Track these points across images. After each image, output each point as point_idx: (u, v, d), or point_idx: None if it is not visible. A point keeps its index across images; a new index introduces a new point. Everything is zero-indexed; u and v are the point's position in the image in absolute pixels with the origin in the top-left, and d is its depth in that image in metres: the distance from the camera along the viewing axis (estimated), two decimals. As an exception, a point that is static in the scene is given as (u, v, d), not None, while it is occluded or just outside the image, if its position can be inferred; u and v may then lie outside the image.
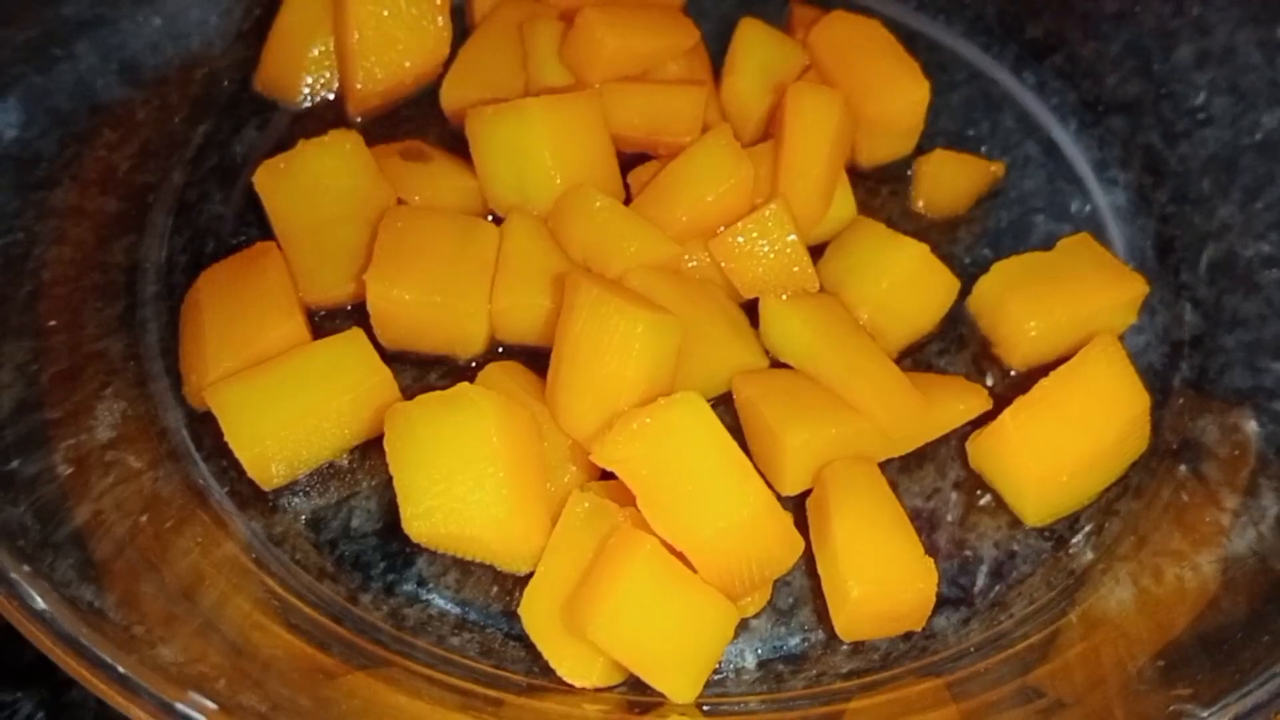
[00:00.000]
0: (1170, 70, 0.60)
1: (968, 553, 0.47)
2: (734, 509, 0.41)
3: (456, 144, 0.53)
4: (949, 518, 0.48)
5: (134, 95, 0.57)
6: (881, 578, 0.42)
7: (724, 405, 0.48)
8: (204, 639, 0.40)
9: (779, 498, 0.44)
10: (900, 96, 0.54)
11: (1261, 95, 0.57)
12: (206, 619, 0.42)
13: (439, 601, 0.45)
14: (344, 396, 0.46)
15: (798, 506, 0.46)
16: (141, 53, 0.58)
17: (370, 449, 0.48)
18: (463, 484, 0.42)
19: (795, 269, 0.49)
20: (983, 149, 0.58)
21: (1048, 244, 0.53)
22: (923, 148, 0.56)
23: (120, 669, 0.37)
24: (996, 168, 0.56)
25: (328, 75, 0.56)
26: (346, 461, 0.48)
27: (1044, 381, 0.46)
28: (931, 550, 0.46)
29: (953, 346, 0.52)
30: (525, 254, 0.49)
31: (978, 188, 0.56)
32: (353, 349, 0.46)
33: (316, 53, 0.56)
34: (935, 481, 0.48)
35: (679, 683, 0.41)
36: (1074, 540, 0.47)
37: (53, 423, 0.46)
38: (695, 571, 0.41)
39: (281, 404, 0.46)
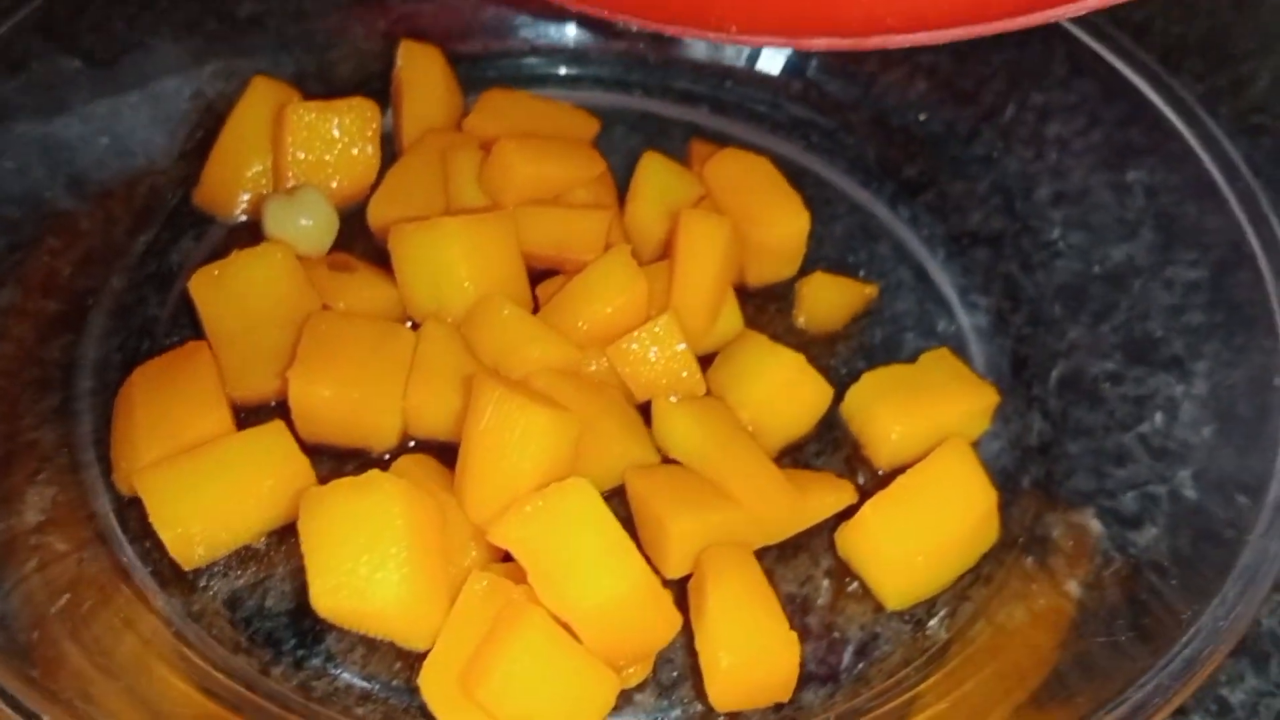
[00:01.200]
0: (1030, 208, 0.66)
1: (835, 634, 0.51)
2: (615, 583, 0.45)
3: (381, 258, 0.58)
4: (820, 602, 0.52)
5: (80, 206, 0.61)
6: (749, 649, 0.46)
7: (618, 498, 0.53)
8: (125, 702, 0.43)
9: (665, 581, 0.49)
10: (784, 225, 0.60)
11: (1111, 231, 0.64)
12: (128, 685, 0.45)
13: (346, 675, 0.49)
14: (264, 483, 0.50)
15: (682, 590, 0.50)
16: (89, 167, 0.62)
17: (287, 534, 0.51)
18: (368, 563, 0.46)
19: (684, 374, 0.54)
20: (860, 273, 0.64)
21: (916, 358, 0.58)
22: (806, 270, 0.62)
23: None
24: (870, 290, 0.62)
25: (264, 192, 0.61)
26: (264, 545, 0.52)
27: (901, 478, 0.52)
28: (803, 632, 0.50)
29: (828, 448, 0.57)
30: (438, 356, 0.53)
31: (854, 307, 0.62)
32: (274, 439, 0.50)
33: (254, 171, 0.61)
34: (809, 569, 0.53)
35: (565, 748, 0.44)
36: (930, 623, 0.52)
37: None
38: (581, 642, 0.45)
39: (205, 489, 0.49)
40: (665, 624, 0.47)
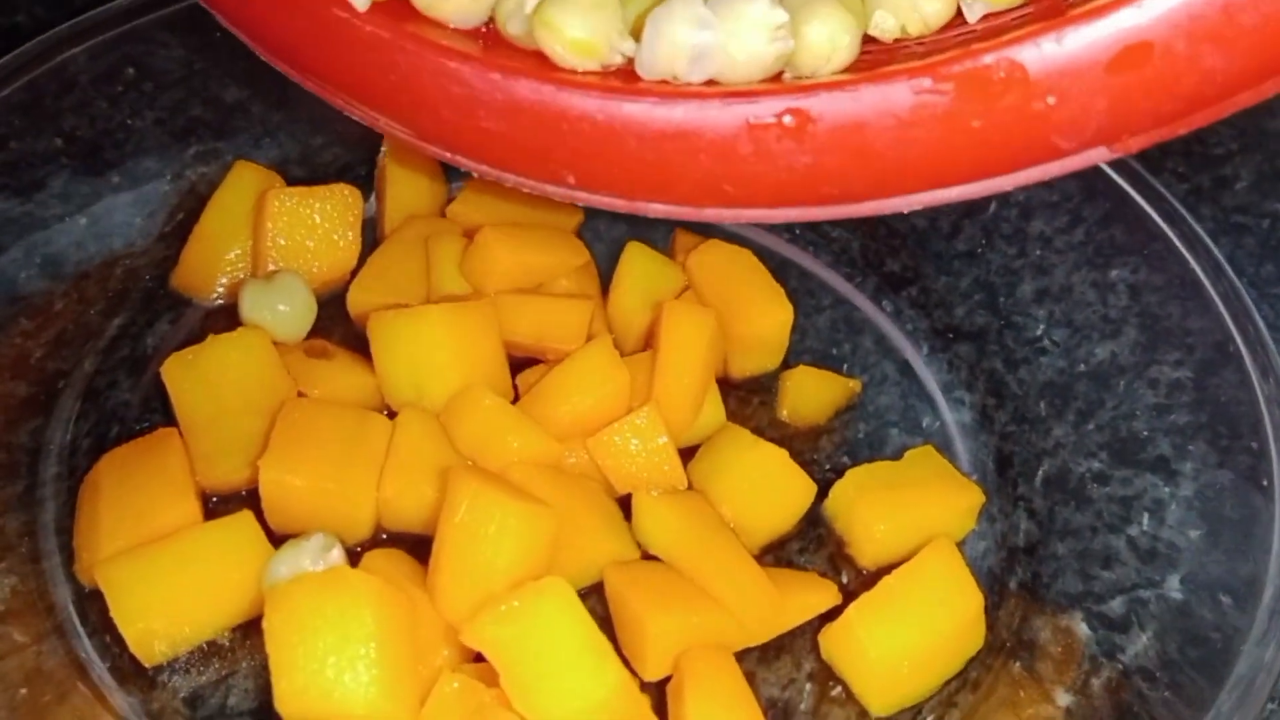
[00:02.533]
0: (1013, 304, 0.66)
1: (818, 741, 0.50)
2: (591, 690, 0.43)
3: (360, 345, 0.57)
4: (802, 707, 0.50)
5: (54, 288, 0.60)
6: (730, 758, 0.45)
7: (596, 594, 0.51)
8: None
9: (643, 684, 0.47)
10: (766, 317, 0.60)
11: (1095, 329, 0.64)
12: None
13: (309, 782, 0.47)
14: (229, 576, 0.48)
15: (660, 693, 0.49)
16: (65, 249, 0.62)
17: (252, 629, 0.49)
18: (336, 663, 0.44)
19: (666, 468, 0.54)
20: (844, 367, 0.63)
21: (900, 455, 0.58)
22: (789, 363, 0.61)
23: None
24: (855, 384, 0.61)
25: (242, 276, 0.60)
26: (227, 640, 0.50)
27: (886, 579, 0.50)
28: (785, 738, 0.48)
29: (811, 545, 0.56)
30: (414, 447, 0.52)
31: (837, 401, 0.61)
32: (241, 531, 0.49)
33: (233, 255, 0.60)
34: (791, 672, 0.51)
35: None
36: (916, 731, 0.50)
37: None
38: (554, 750, 0.43)
39: (168, 581, 0.48)
40: (643, 732, 0.45)
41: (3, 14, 0.77)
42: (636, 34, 0.41)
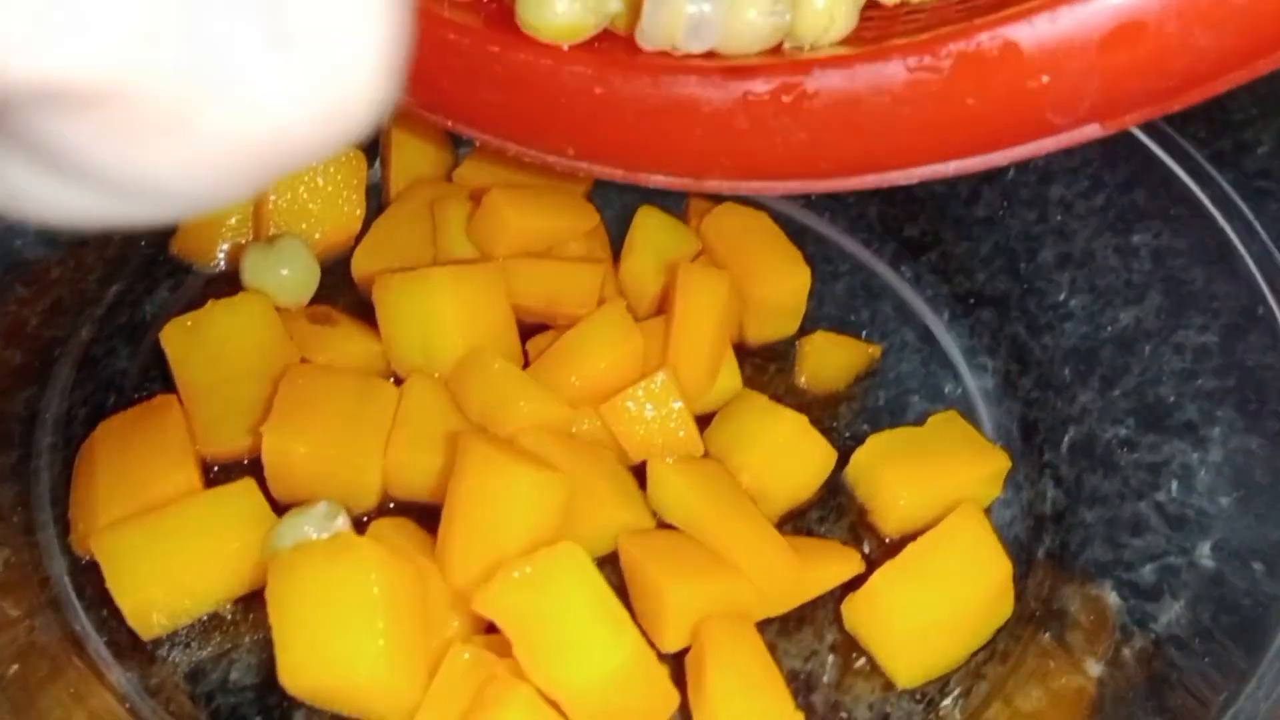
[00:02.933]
0: (1035, 270, 0.64)
1: (843, 714, 0.48)
2: (607, 658, 0.41)
3: (364, 311, 0.56)
4: (825, 679, 0.49)
5: (51, 255, 0.58)
6: (753, 730, 0.43)
7: (611, 565, 0.49)
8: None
9: (660, 655, 0.46)
10: (783, 281, 0.58)
11: (1118, 294, 0.62)
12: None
13: (315, 758, 0.45)
14: (230, 546, 0.47)
15: (679, 665, 0.47)
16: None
17: (254, 601, 0.48)
18: (341, 636, 0.42)
19: (681, 434, 0.52)
20: (863, 334, 0.61)
21: (921, 422, 0.56)
22: (806, 330, 0.60)
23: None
24: (874, 350, 0.60)
25: (244, 242, 0.58)
26: (229, 613, 0.48)
27: (911, 546, 0.49)
28: (809, 711, 0.47)
29: (832, 514, 0.54)
30: (422, 413, 0.51)
31: (856, 367, 0.59)
32: (243, 499, 0.47)
33: (234, 220, 0.58)
34: (813, 644, 0.50)
35: (551, 835, 0.41)
36: (944, 703, 0.48)
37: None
38: (570, 721, 0.41)
39: (166, 551, 0.46)
40: (661, 702, 0.43)
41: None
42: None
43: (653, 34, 0.40)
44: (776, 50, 0.40)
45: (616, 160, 0.43)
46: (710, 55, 0.40)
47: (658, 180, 0.43)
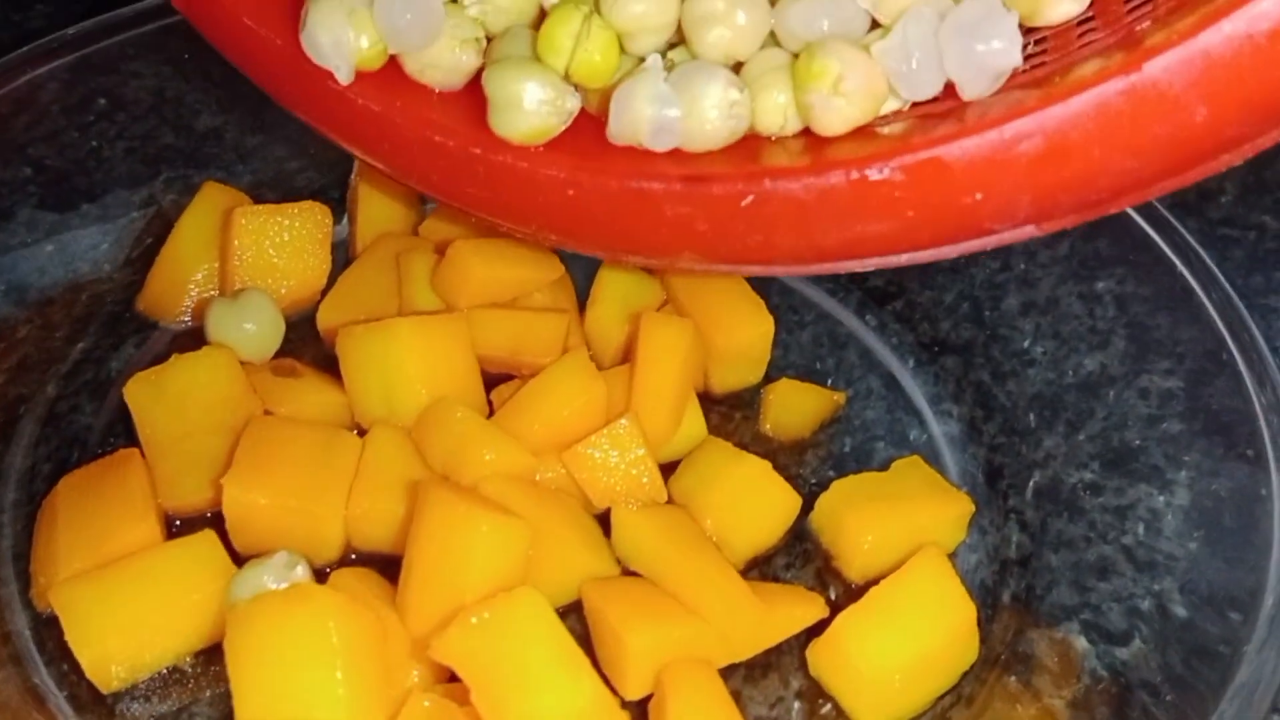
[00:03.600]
0: (999, 317, 0.65)
1: (808, 760, 0.48)
2: (566, 704, 0.41)
3: (329, 364, 0.56)
4: (790, 726, 0.49)
5: (17, 314, 0.59)
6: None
7: (575, 614, 0.49)
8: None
9: (624, 703, 0.45)
10: (747, 329, 0.58)
11: (1082, 340, 0.62)
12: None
13: (273, 810, 0.44)
14: (190, 598, 0.46)
15: (642, 713, 0.47)
16: (30, 275, 0.60)
17: (215, 655, 0.47)
18: (300, 686, 0.42)
19: (645, 481, 0.52)
20: (828, 382, 0.62)
21: (887, 467, 0.56)
22: (772, 378, 0.60)
23: None
24: (839, 397, 0.60)
25: (209, 296, 0.59)
26: (189, 666, 0.48)
27: (874, 590, 0.49)
28: (773, 759, 0.46)
29: (798, 560, 0.54)
30: (384, 463, 0.51)
31: (822, 414, 0.60)
32: (203, 551, 0.47)
33: (200, 275, 0.59)
34: (778, 690, 0.49)
35: None
36: (910, 748, 0.48)
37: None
38: (529, 769, 0.41)
39: (126, 604, 0.46)
40: (621, 747, 0.43)
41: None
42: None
43: (619, 133, 0.42)
44: (742, 143, 0.42)
45: (594, 246, 0.46)
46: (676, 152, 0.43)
47: (635, 260, 0.47)
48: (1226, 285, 0.59)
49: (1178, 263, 0.60)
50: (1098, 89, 0.35)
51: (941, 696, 0.49)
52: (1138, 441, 0.58)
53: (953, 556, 0.53)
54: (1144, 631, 0.51)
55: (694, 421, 0.55)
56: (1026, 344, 0.64)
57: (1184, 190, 0.79)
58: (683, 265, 0.45)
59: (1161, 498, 0.55)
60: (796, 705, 0.49)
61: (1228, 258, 0.74)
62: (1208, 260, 0.60)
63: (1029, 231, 0.39)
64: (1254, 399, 0.55)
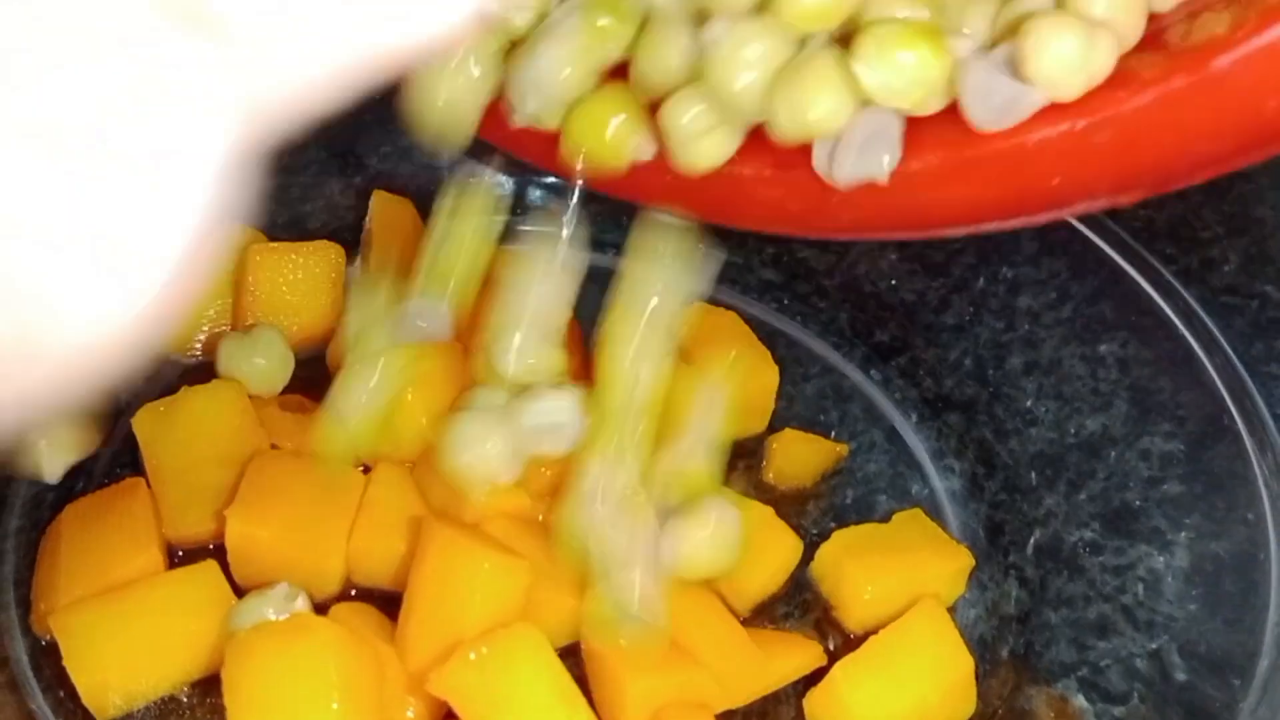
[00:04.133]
0: (1002, 376, 0.65)
1: (803, 810, 0.47)
2: (561, 740, 0.41)
3: (337, 401, 0.56)
4: (786, 775, 0.48)
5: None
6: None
7: (573, 657, 0.49)
8: None
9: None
10: (752, 379, 0.59)
11: (1085, 402, 0.63)
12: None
13: (265, 843, 0.44)
14: (189, 627, 0.46)
15: (637, 758, 0.46)
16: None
17: (212, 686, 0.47)
18: (296, 717, 0.42)
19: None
20: (831, 434, 0.62)
21: (888, 520, 0.56)
22: (775, 429, 0.60)
23: None
24: (841, 448, 0.60)
25: (221, 330, 0.59)
26: (185, 696, 0.48)
27: (872, 640, 0.49)
28: (768, 808, 0.46)
29: (797, 610, 0.54)
30: (388, 500, 0.51)
31: (824, 466, 0.60)
32: (204, 581, 0.47)
33: (212, 311, 0.60)
34: (774, 739, 0.49)
35: None
36: (905, 801, 0.48)
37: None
38: (523, 806, 0.41)
39: (125, 631, 0.46)
40: (616, 789, 0.43)
41: None
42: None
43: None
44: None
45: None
46: None
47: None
48: (1229, 350, 0.60)
49: (1181, 327, 0.61)
50: None
51: (939, 751, 0.49)
52: (1138, 502, 0.58)
53: (952, 610, 0.53)
54: (1142, 691, 0.51)
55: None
56: (1029, 403, 0.64)
57: (1186, 258, 0.80)
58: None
59: (1161, 558, 0.55)
60: (792, 754, 0.49)
61: (1230, 326, 0.75)
62: (1211, 325, 0.61)
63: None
64: (1254, 464, 0.55)
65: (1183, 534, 0.56)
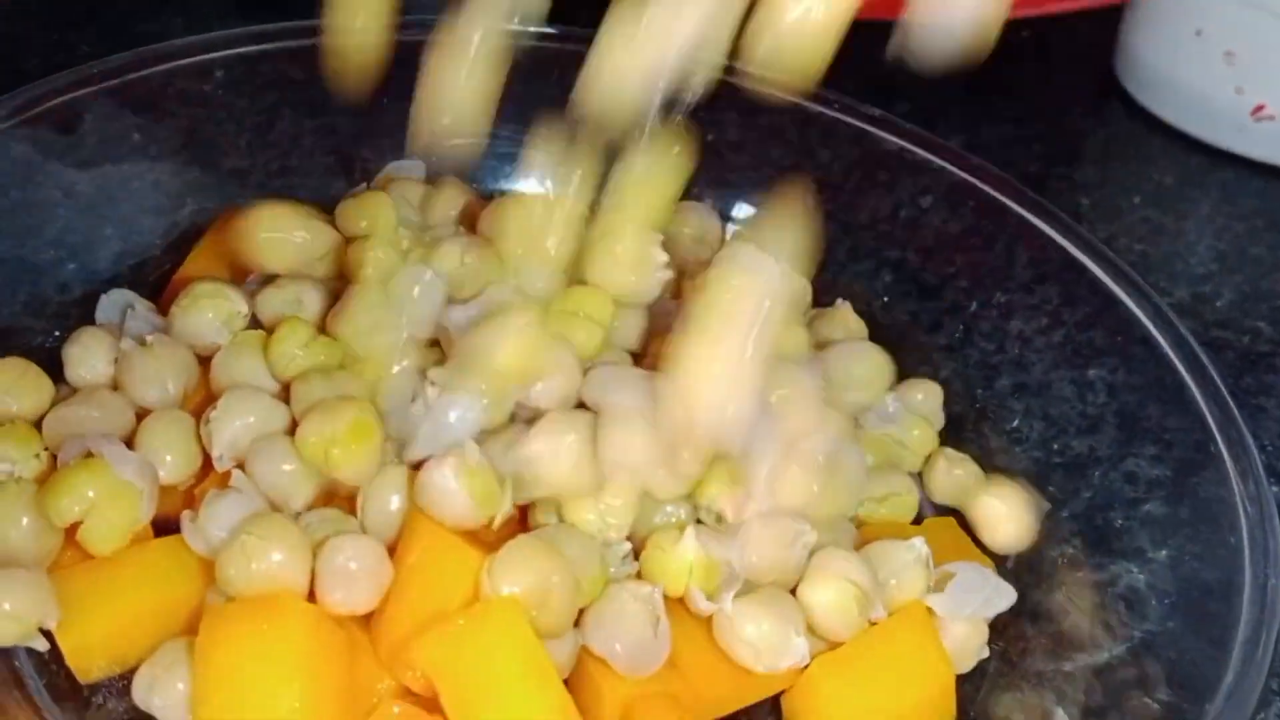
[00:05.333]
0: (990, 396, 0.66)
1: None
2: (531, 713, 0.42)
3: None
4: (762, 771, 0.49)
5: (35, 324, 0.61)
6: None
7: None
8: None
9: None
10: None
11: (1072, 424, 0.64)
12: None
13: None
14: (174, 593, 0.47)
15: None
16: (51, 289, 0.62)
17: (195, 652, 0.48)
18: (258, 691, 0.43)
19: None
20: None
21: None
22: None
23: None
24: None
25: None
26: (167, 665, 0.48)
27: (852, 642, 0.49)
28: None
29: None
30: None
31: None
32: (189, 549, 0.48)
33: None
34: (752, 738, 0.50)
35: None
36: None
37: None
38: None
39: (110, 595, 0.46)
40: (587, 764, 0.43)
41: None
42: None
43: None
44: None
45: None
46: None
47: None
48: (1218, 380, 0.60)
49: (1172, 356, 0.61)
50: None
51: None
52: (1120, 521, 0.58)
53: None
54: (1123, 708, 0.51)
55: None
56: (1016, 423, 0.65)
57: (1180, 291, 0.81)
58: None
59: (1142, 576, 0.56)
60: (769, 753, 0.49)
61: (1221, 360, 0.75)
62: (1201, 355, 0.61)
63: None
64: (1236, 490, 0.56)
65: (1164, 553, 0.56)
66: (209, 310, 0.55)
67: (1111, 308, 0.64)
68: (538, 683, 0.42)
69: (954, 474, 0.60)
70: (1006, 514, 0.57)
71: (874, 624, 0.50)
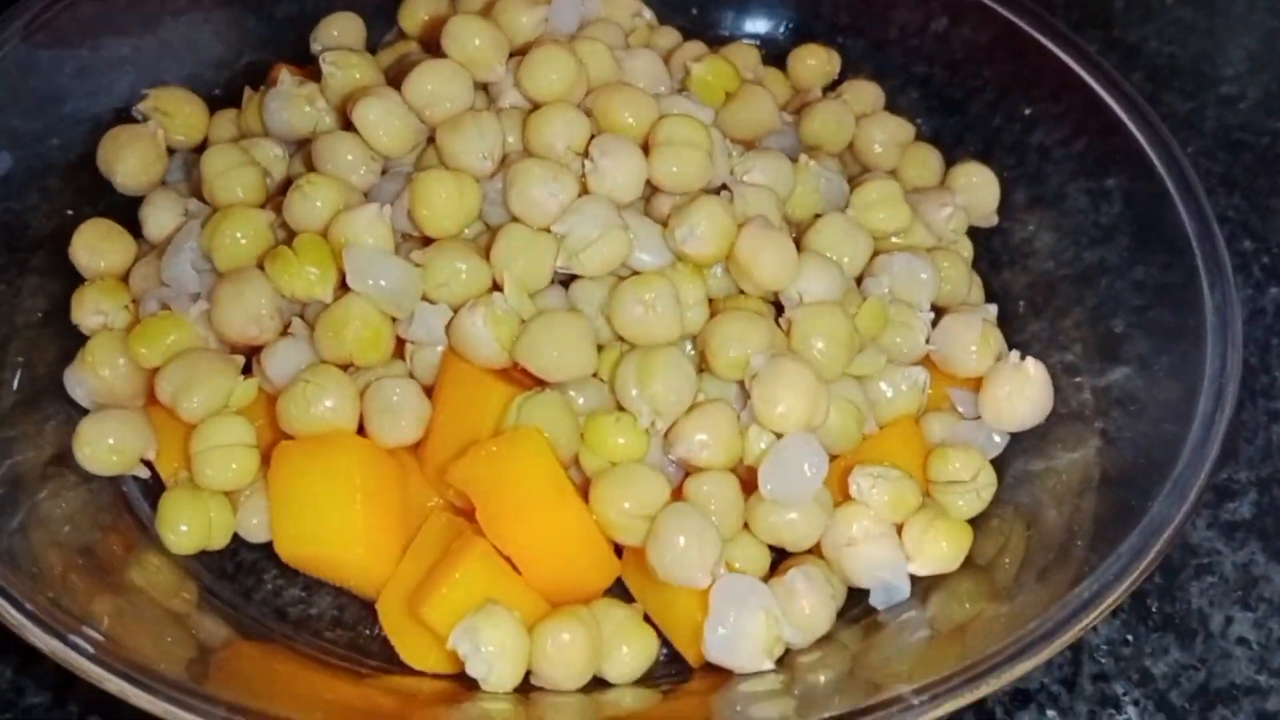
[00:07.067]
0: (1004, 209, 0.68)
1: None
2: (552, 522, 0.49)
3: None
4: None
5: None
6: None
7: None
8: (127, 618, 0.48)
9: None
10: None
11: (1085, 234, 0.66)
12: (129, 601, 0.50)
13: (318, 603, 0.53)
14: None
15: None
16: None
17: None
18: (324, 514, 0.50)
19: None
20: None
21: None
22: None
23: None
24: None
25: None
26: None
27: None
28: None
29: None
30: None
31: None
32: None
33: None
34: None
35: (499, 671, 0.48)
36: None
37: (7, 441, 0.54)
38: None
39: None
40: (602, 569, 0.50)
41: None
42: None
43: None
44: None
45: None
46: None
47: None
48: (1203, 200, 0.61)
49: (1163, 173, 0.62)
50: None
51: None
52: (1121, 328, 0.61)
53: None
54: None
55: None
56: (1028, 234, 0.67)
57: (1204, 94, 0.79)
58: None
59: (1140, 381, 0.59)
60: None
61: (1238, 160, 0.76)
62: (1190, 173, 0.62)
63: None
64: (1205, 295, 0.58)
65: (1164, 358, 0.59)
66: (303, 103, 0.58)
67: (1131, 115, 0.65)
68: (557, 497, 0.49)
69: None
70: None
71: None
